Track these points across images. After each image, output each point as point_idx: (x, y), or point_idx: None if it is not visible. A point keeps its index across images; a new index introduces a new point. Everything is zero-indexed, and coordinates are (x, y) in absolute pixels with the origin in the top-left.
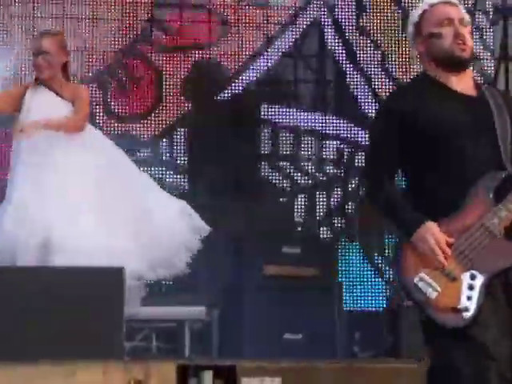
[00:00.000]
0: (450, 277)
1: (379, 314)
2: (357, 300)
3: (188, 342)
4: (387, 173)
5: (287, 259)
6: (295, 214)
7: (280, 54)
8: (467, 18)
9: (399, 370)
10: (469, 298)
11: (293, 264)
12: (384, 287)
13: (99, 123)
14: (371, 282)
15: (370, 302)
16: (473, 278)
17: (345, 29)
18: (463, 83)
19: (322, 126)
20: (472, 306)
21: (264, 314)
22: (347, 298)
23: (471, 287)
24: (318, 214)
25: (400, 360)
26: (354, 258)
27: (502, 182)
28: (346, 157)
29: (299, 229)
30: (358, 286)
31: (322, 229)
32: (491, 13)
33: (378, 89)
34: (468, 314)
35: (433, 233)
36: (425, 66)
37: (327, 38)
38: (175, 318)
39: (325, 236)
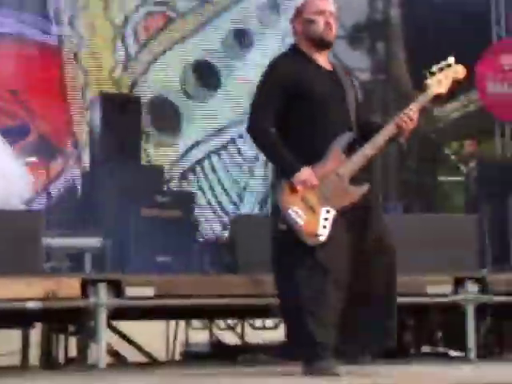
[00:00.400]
0: (313, 210)
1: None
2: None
3: (89, 263)
4: (271, 121)
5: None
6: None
7: None
8: (335, 10)
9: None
10: (324, 227)
11: (163, 208)
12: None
13: None
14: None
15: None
16: (328, 212)
17: None
18: (323, 60)
19: None
20: (325, 233)
21: (143, 243)
22: (201, 231)
23: (326, 219)
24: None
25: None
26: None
27: (350, 141)
28: None
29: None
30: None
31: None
32: None
33: None
34: (322, 239)
35: (309, 177)
36: (298, 41)
37: None
38: (80, 246)
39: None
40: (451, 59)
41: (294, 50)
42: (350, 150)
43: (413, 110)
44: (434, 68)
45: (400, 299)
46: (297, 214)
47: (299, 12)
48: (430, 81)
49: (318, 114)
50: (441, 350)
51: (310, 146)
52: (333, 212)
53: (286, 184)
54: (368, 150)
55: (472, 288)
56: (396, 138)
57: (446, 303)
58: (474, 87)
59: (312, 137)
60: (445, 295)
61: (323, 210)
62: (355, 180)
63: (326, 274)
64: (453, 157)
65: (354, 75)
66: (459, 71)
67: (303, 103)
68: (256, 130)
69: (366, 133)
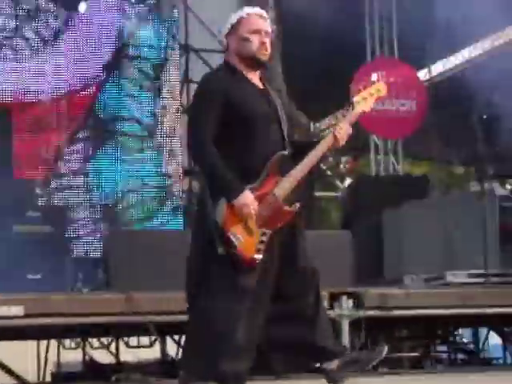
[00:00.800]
0: (250, 233)
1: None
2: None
3: None
4: (210, 138)
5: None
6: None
7: None
8: (270, 30)
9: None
10: (259, 250)
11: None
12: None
13: None
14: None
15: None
16: (264, 234)
17: None
18: (255, 78)
19: None
20: (259, 256)
21: (13, 260)
22: (74, 247)
23: (262, 241)
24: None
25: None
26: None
27: (284, 160)
28: None
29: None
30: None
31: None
32: None
33: None
34: (257, 262)
35: (251, 201)
36: (229, 58)
37: None
38: None
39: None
40: (374, 76)
41: (226, 66)
42: (284, 168)
43: (347, 127)
44: (361, 86)
45: None
46: (235, 236)
47: (234, 29)
48: (356, 98)
49: (252, 132)
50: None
51: (244, 165)
52: (268, 234)
53: (224, 205)
54: (303, 168)
55: (346, 303)
56: (329, 151)
57: None
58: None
59: (246, 155)
60: None
61: (260, 232)
62: (287, 199)
63: (249, 299)
64: (329, 172)
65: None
66: (381, 89)
67: (237, 121)
68: (196, 147)
69: (296, 150)
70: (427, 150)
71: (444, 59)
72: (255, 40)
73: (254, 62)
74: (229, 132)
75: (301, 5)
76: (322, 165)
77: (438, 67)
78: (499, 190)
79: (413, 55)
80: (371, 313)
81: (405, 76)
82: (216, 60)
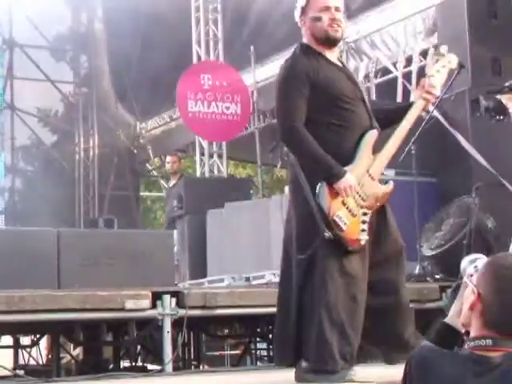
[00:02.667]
0: (353, 214)
1: None
2: None
3: None
4: (301, 125)
5: None
6: None
7: None
8: (341, 5)
9: None
10: (363, 231)
11: None
12: None
13: None
14: None
15: None
16: (365, 214)
17: None
18: (334, 57)
19: None
20: (364, 236)
21: None
22: None
23: (364, 222)
24: None
25: None
26: None
27: (376, 139)
28: None
29: None
30: None
31: None
32: None
33: None
34: (362, 243)
35: (353, 183)
36: (307, 39)
37: None
38: None
39: None
40: (444, 48)
41: (305, 49)
42: (376, 147)
43: (434, 91)
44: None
45: (98, 314)
46: (341, 219)
47: (304, 11)
48: (431, 72)
49: (342, 110)
50: (139, 364)
51: (338, 145)
52: (369, 214)
53: (326, 188)
54: (391, 145)
55: (169, 302)
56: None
57: (144, 318)
58: (175, 105)
59: (340, 135)
60: (143, 309)
61: (361, 212)
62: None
63: (358, 283)
64: (154, 172)
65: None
66: (452, 60)
67: (326, 102)
68: (291, 134)
69: (388, 115)
70: (251, 153)
71: (268, 64)
72: (325, 17)
73: (326, 41)
74: (318, 113)
75: (125, 5)
76: (147, 165)
77: (263, 71)
78: None
79: (238, 59)
80: (194, 312)
81: (229, 79)
82: (41, 56)
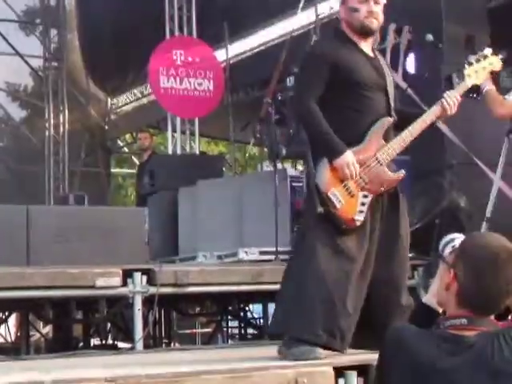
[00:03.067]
0: (351, 194)
1: None
2: None
3: None
4: (316, 100)
5: None
6: None
7: None
8: None
9: None
10: (360, 212)
11: None
12: None
13: None
14: None
15: None
16: (365, 196)
17: None
18: (367, 47)
19: None
20: (361, 217)
21: None
22: None
23: (363, 204)
24: None
25: None
26: None
27: (389, 127)
28: None
29: None
30: None
31: None
32: None
33: None
34: (358, 223)
35: (352, 162)
36: (343, 26)
37: None
38: None
39: None
40: (488, 50)
41: (339, 34)
42: (388, 134)
43: (458, 96)
44: (472, 59)
45: (68, 292)
46: (336, 196)
47: (344, 0)
48: (467, 71)
49: (359, 96)
50: (110, 342)
51: (350, 128)
52: (370, 197)
53: (327, 165)
54: (406, 135)
55: (140, 280)
56: (436, 121)
57: (115, 295)
58: (147, 81)
59: (353, 119)
60: (113, 287)
61: (361, 194)
62: (390, 165)
63: (352, 261)
64: (126, 149)
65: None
66: (495, 62)
67: (344, 84)
68: (302, 109)
69: (402, 120)
70: (223, 130)
71: (242, 40)
72: (363, 9)
73: (361, 31)
74: (335, 95)
75: None
76: (119, 142)
77: (236, 47)
78: (291, 171)
79: (211, 34)
80: (165, 289)
81: (202, 55)
82: (10, 29)
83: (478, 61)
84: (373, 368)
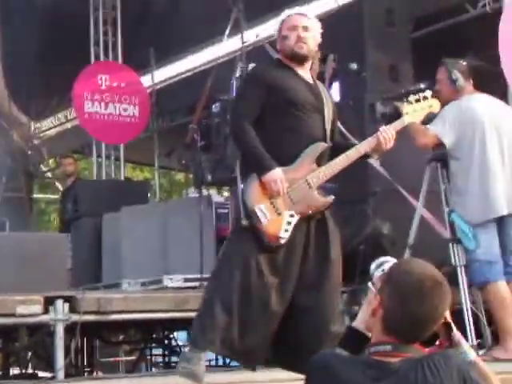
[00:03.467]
0: (278, 212)
1: None
2: None
3: None
4: (250, 119)
5: None
6: None
7: None
8: (311, 24)
9: None
10: (286, 231)
11: None
12: None
13: None
14: None
15: None
16: (291, 216)
17: None
18: (305, 73)
19: None
20: (286, 236)
21: None
22: None
23: (289, 223)
24: None
25: None
26: None
27: (322, 151)
28: None
29: None
30: None
31: None
32: None
33: None
34: (282, 241)
35: (281, 178)
36: (280, 55)
37: None
38: None
39: None
40: (428, 93)
41: (276, 61)
42: (322, 159)
43: (393, 131)
44: (412, 98)
45: None
46: (262, 212)
47: (279, 30)
48: (406, 109)
49: (294, 117)
50: (30, 371)
51: (284, 148)
52: (296, 217)
53: (256, 181)
54: (339, 162)
55: (61, 307)
56: (370, 154)
57: (36, 323)
58: (71, 105)
59: (287, 139)
60: (35, 315)
61: (287, 213)
62: (320, 190)
63: (265, 278)
64: (49, 174)
65: None
66: (434, 105)
67: (278, 104)
68: (235, 127)
69: (336, 148)
70: (149, 156)
71: (168, 66)
72: (292, 36)
73: (293, 57)
74: (271, 116)
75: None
76: (42, 167)
77: (162, 73)
78: (216, 197)
79: (137, 60)
80: (87, 317)
81: (127, 81)
82: None
83: (417, 101)
84: None
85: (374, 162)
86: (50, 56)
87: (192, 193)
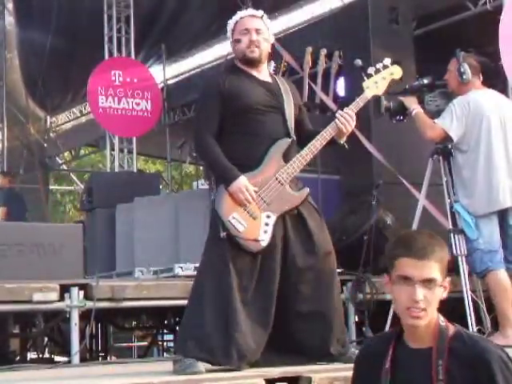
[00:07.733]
0: (253, 216)
1: None
2: None
3: None
4: (212, 133)
5: None
6: None
7: None
8: (264, 26)
9: None
10: (265, 232)
11: None
12: None
13: None
14: None
15: None
16: (268, 217)
17: None
18: (260, 73)
19: None
20: (267, 238)
21: None
22: None
23: (267, 224)
24: None
25: None
26: None
27: (288, 147)
28: None
29: None
30: None
31: None
32: None
33: None
34: (263, 244)
35: (245, 186)
36: (234, 59)
37: None
38: None
39: None
40: (387, 60)
41: (232, 66)
42: (289, 154)
43: (350, 112)
44: (370, 70)
45: (5, 307)
46: (237, 221)
47: (231, 32)
48: (366, 83)
49: (251, 121)
50: (47, 355)
51: (247, 153)
52: (273, 217)
53: (225, 191)
54: (306, 153)
55: (77, 295)
56: (335, 139)
57: (52, 310)
58: (86, 100)
59: (249, 143)
60: (51, 302)
61: (264, 215)
62: (295, 184)
63: (247, 284)
64: (64, 166)
65: None
66: (395, 72)
67: (237, 111)
68: (198, 143)
69: (304, 139)
70: (161, 149)
71: (179, 62)
72: (245, 39)
73: (246, 60)
74: (230, 123)
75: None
76: (58, 159)
77: (174, 69)
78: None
79: (149, 56)
80: (102, 304)
81: (140, 76)
82: None
83: (377, 71)
84: (303, 379)
85: (378, 155)
86: (65, 53)
87: (202, 184)
